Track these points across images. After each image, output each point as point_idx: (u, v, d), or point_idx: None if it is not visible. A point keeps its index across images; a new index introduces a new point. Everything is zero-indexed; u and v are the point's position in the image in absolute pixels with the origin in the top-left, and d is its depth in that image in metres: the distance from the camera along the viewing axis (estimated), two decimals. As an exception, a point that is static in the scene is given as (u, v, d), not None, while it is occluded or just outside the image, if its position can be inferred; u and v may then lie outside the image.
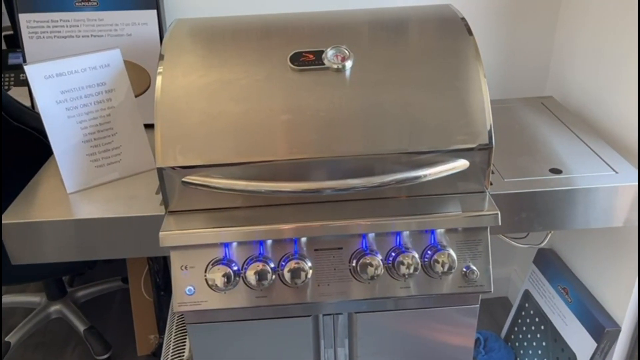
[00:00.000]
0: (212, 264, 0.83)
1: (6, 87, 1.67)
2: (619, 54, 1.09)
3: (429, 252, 0.85)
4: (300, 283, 0.83)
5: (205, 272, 0.83)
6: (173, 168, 0.82)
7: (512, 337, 1.48)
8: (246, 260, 0.84)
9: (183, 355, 1.14)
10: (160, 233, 0.82)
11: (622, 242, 1.13)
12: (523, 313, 1.45)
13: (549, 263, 1.38)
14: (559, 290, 1.32)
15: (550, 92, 1.36)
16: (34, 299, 1.75)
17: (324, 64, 0.87)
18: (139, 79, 1.15)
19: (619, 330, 1.16)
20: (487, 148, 0.84)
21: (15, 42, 1.69)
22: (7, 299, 1.77)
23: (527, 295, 1.44)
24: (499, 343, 1.48)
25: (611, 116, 1.13)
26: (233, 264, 0.83)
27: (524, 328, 1.44)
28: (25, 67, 0.88)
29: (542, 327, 1.37)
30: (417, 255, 0.84)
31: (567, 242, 1.35)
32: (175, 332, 1.19)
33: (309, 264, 0.84)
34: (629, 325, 1.15)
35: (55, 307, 1.70)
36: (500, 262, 1.65)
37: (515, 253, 1.66)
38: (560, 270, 1.34)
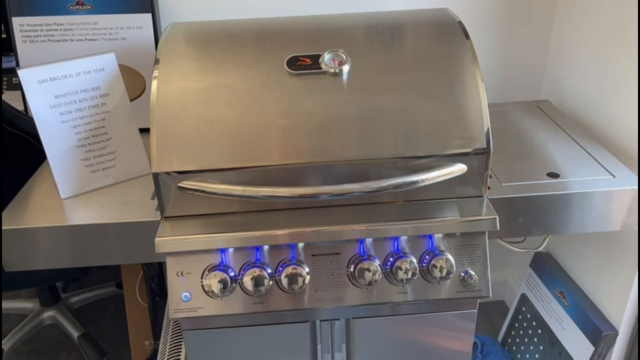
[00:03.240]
0: (209, 270, 0.82)
1: (-1, 91, 1.65)
2: (615, 57, 1.09)
3: (427, 257, 0.84)
4: (297, 289, 0.82)
5: (202, 278, 0.82)
6: (169, 173, 0.82)
7: (509, 341, 1.48)
8: (243, 266, 0.83)
9: (179, 362, 1.13)
10: (156, 239, 0.81)
11: (619, 245, 1.13)
12: (520, 317, 1.45)
13: (546, 267, 1.38)
14: (555, 294, 1.32)
15: (546, 96, 1.36)
16: (27, 305, 1.73)
17: (320, 68, 0.86)
18: (134, 83, 1.14)
19: (617, 334, 1.16)
20: (485, 152, 0.84)
21: (7, 45, 1.68)
22: (-1, 305, 1.76)
23: (524, 299, 1.44)
24: (496, 347, 1.47)
25: (607, 119, 1.13)
26: (230, 270, 0.82)
27: (521, 332, 1.44)
28: (19, 72, 0.87)
29: (539, 331, 1.36)
30: (415, 261, 0.83)
31: (564, 246, 1.35)
32: (171, 339, 1.18)
33: (307, 270, 0.83)
34: (626, 329, 1.15)
35: (48, 313, 1.69)
36: (496, 265, 1.65)
37: (511, 257, 1.66)
38: (557, 274, 1.34)
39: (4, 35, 1.63)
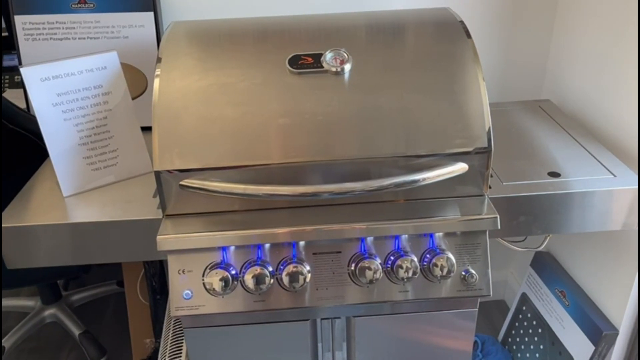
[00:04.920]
0: (210, 268, 0.82)
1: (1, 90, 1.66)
2: (617, 56, 1.10)
3: (427, 255, 0.85)
4: (298, 287, 0.83)
5: (203, 276, 0.83)
6: (170, 171, 0.82)
7: (510, 340, 1.48)
8: (244, 264, 0.83)
9: (179, 360, 1.13)
10: (158, 237, 0.81)
11: (620, 245, 1.13)
12: (520, 316, 1.45)
13: (546, 266, 1.38)
14: (556, 294, 1.32)
15: (547, 95, 1.36)
16: (28, 303, 1.73)
17: (322, 67, 0.86)
18: (136, 81, 1.14)
19: (617, 334, 1.16)
20: (486, 151, 0.84)
21: (9, 43, 1.68)
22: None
23: (524, 299, 1.44)
24: (496, 346, 1.47)
25: (608, 119, 1.13)
26: (231, 268, 0.83)
27: (522, 331, 1.44)
28: (22, 70, 0.87)
29: (540, 331, 1.36)
30: (415, 259, 0.83)
31: (565, 245, 1.35)
32: (172, 337, 1.18)
33: (308, 268, 0.83)
34: (626, 328, 1.15)
35: (49, 311, 1.69)
36: (497, 265, 1.65)
37: (512, 256, 1.66)
38: (557, 273, 1.34)
39: (4, 34, 1.63)
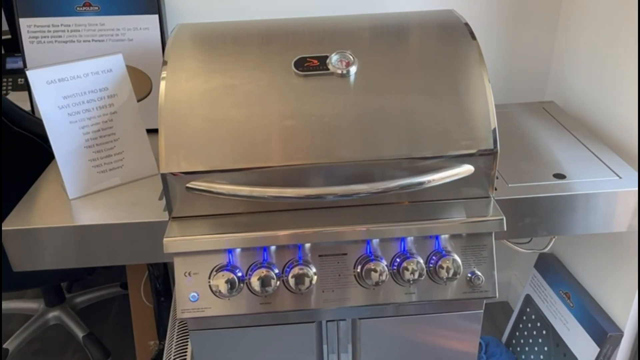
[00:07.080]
0: (216, 270, 0.82)
1: (4, 92, 1.66)
2: (619, 58, 1.10)
3: (433, 257, 0.85)
4: (304, 289, 0.83)
5: (209, 278, 0.83)
6: (176, 174, 0.82)
7: (514, 342, 1.48)
8: (250, 266, 0.83)
9: (184, 362, 1.13)
10: (165, 239, 0.81)
11: (624, 246, 1.13)
12: (524, 318, 1.45)
13: (550, 268, 1.38)
14: (560, 295, 1.32)
15: (551, 97, 1.36)
16: (32, 305, 1.73)
17: (328, 69, 0.86)
18: (140, 84, 1.14)
19: (622, 335, 1.16)
20: (491, 153, 0.84)
21: (13, 46, 1.68)
22: (4, 305, 1.76)
23: (528, 300, 1.44)
24: (500, 348, 1.47)
25: (612, 120, 1.13)
26: (237, 270, 0.83)
27: (526, 333, 1.44)
28: (27, 73, 0.87)
29: (544, 332, 1.36)
30: (422, 261, 0.83)
31: (569, 247, 1.35)
32: (177, 338, 1.18)
33: (314, 270, 0.83)
34: (631, 329, 1.15)
35: (53, 314, 1.69)
36: (500, 266, 1.65)
37: (515, 257, 1.66)
38: (561, 275, 1.34)
39: (5, 36, 1.63)
